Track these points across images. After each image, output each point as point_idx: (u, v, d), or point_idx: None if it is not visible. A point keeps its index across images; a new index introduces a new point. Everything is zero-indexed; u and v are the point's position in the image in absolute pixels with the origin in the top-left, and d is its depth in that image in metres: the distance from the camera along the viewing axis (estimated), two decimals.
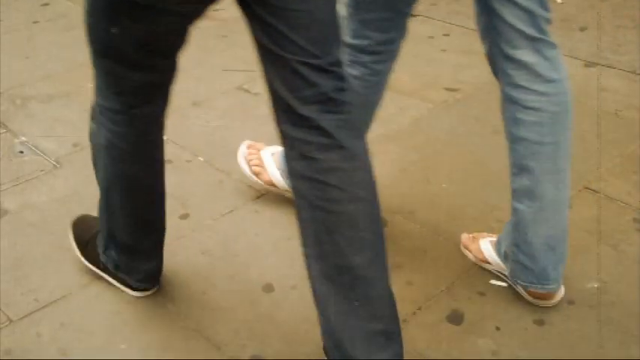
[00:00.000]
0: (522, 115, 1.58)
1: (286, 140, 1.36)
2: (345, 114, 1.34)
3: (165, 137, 2.47)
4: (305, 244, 1.38)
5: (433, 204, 2.12)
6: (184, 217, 2.07)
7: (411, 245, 1.95)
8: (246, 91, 2.79)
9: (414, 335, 1.65)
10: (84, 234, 1.83)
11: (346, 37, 1.65)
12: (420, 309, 1.73)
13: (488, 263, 1.81)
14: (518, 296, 1.75)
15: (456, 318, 1.71)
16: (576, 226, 2.01)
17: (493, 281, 1.81)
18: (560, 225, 1.65)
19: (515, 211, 1.66)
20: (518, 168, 1.62)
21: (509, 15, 1.51)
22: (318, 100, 1.29)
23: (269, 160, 2.06)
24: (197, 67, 2.99)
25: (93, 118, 1.56)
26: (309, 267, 1.39)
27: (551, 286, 1.68)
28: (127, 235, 1.69)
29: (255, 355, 1.61)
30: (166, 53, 1.42)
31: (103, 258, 1.76)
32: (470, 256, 1.86)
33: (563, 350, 1.62)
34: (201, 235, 2.00)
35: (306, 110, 1.29)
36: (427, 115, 2.62)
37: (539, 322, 1.69)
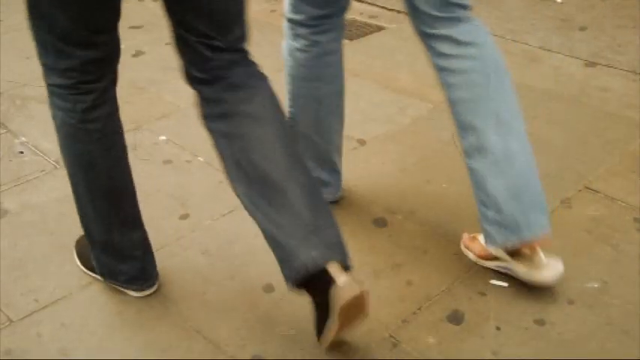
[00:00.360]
0: (453, 80, 1.69)
1: (198, 95, 1.60)
2: (245, 68, 1.59)
3: (165, 137, 2.49)
4: (231, 179, 1.57)
5: (433, 204, 2.12)
6: (184, 217, 2.07)
7: (411, 245, 1.95)
8: None
9: (414, 335, 1.65)
10: (85, 248, 1.83)
11: (286, 12, 1.85)
12: (420, 309, 1.73)
13: (490, 260, 1.81)
14: (518, 296, 1.75)
15: (456, 318, 1.71)
16: (576, 226, 2.01)
17: (493, 281, 1.81)
18: (519, 175, 1.68)
19: (471, 171, 1.74)
20: (463, 129, 1.72)
21: (421, 3, 1.67)
22: (215, 67, 1.55)
23: None
24: None
25: (49, 104, 1.62)
26: (240, 197, 1.57)
27: (524, 235, 1.68)
28: (100, 230, 1.69)
29: (255, 355, 1.61)
30: (103, 29, 1.50)
31: (94, 264, 1.78)
32: (470, 255, 1.87)
33: (563, 350, 1.62)
34: (201, 235, 2.00)
35: (207, 74, 1.56)
36: (427, 115, 2.62)
37: (540, 322, 1.69)
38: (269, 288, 1.80)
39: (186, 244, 1.96)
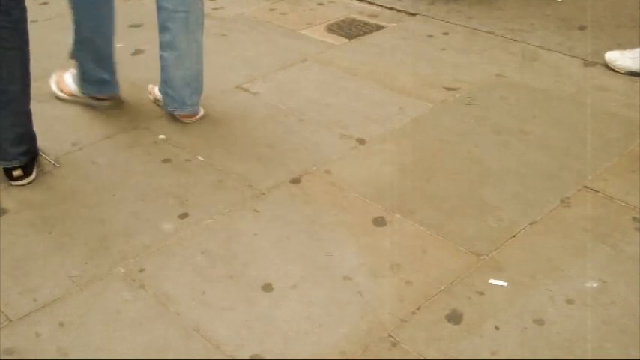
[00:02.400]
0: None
1: None
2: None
3: (164, 136, 2.49)
4: None
5: (433, 204, 2.12)
6: (184, 216, 2.07)
7: (411, 245, 1.95)
8: (246, 90, 2.79)
9: (413, 335, 1.65)
10: None
11: None
12: (419, 309, 1.73)
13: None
14: (517, 295, 1.76)
15: (455, 317, 1.71)
16: (575, 226, 2.01)
17: (492, 280, 1.81)
18: (193, 68, 2.47)
19: (161, 57, 2.45)
20: (162, 28, 2.39)
21: None
22: None
23: (68, 76, 2.67)
24: None
25: None
26: None
27: (188, 109, 2.52)
28: None
29: (255, 355, 1.61)
30: None
31: None
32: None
33: (562, 350, 1.62)
34: (200, 235, 2.00)
35: None
36: (427, 115, 2.62)
37: (539, 322, 1.69)
38: (268, 288, 1.80)
39: (185, 244, 1.96)
